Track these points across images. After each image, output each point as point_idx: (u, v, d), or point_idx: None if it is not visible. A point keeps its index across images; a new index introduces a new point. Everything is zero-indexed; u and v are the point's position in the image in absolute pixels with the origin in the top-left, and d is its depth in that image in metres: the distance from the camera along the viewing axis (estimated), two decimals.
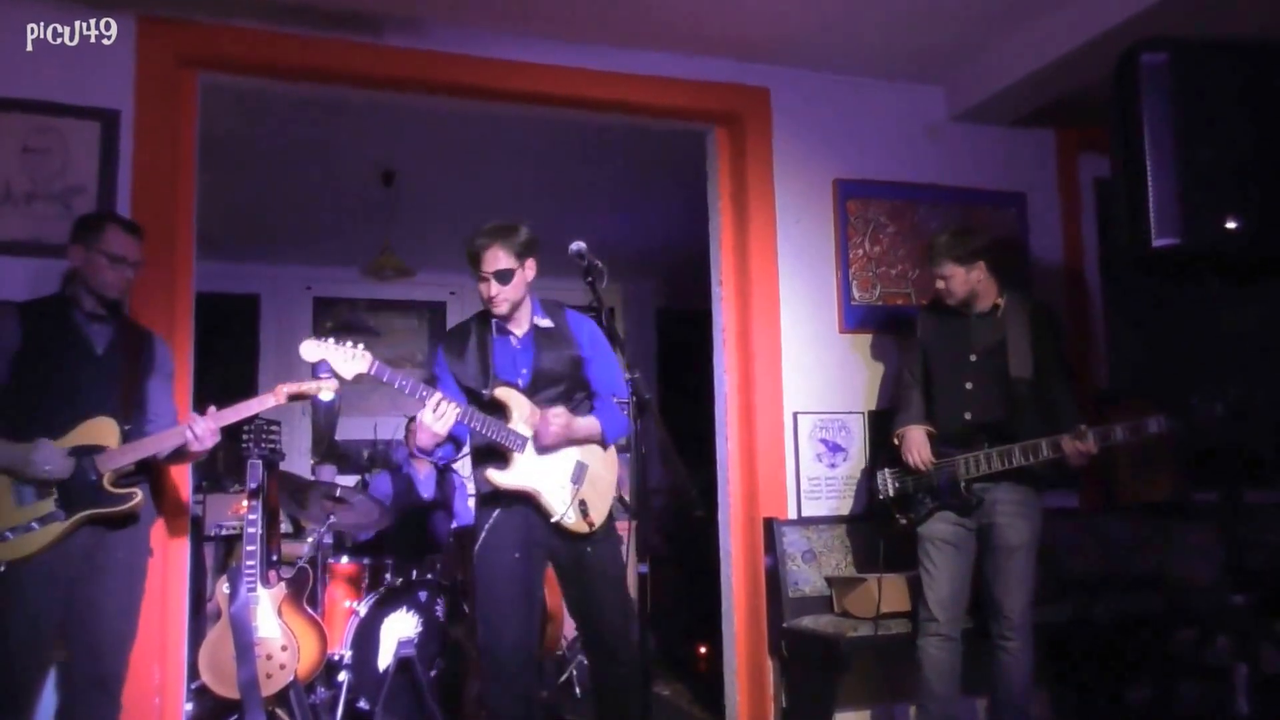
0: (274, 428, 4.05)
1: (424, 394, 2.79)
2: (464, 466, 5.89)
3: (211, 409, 2.91)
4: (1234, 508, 2.64)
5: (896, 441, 3.50)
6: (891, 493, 3.52)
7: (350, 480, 5.73)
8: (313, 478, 6.06)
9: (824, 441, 4.12)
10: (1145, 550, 3.83)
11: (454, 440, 3.04)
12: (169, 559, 3.41)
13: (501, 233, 2.97)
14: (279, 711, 3.94)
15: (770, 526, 3.93)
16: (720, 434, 4.23)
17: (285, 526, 5.43)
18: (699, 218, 4.48)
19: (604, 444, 3.14)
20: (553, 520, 2.96)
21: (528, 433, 2.95)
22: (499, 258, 2.95)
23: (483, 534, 3.01)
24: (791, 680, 3.87)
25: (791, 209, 4.21)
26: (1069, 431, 3.17)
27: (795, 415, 4.10)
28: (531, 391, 3.02)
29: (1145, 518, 3.99)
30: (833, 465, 4.12)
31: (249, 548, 3.89)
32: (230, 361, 7.44)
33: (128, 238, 2.91)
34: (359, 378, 2.79)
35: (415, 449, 4.84)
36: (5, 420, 2.74)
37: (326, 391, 3.08)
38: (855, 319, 4.23)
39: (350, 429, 7.64)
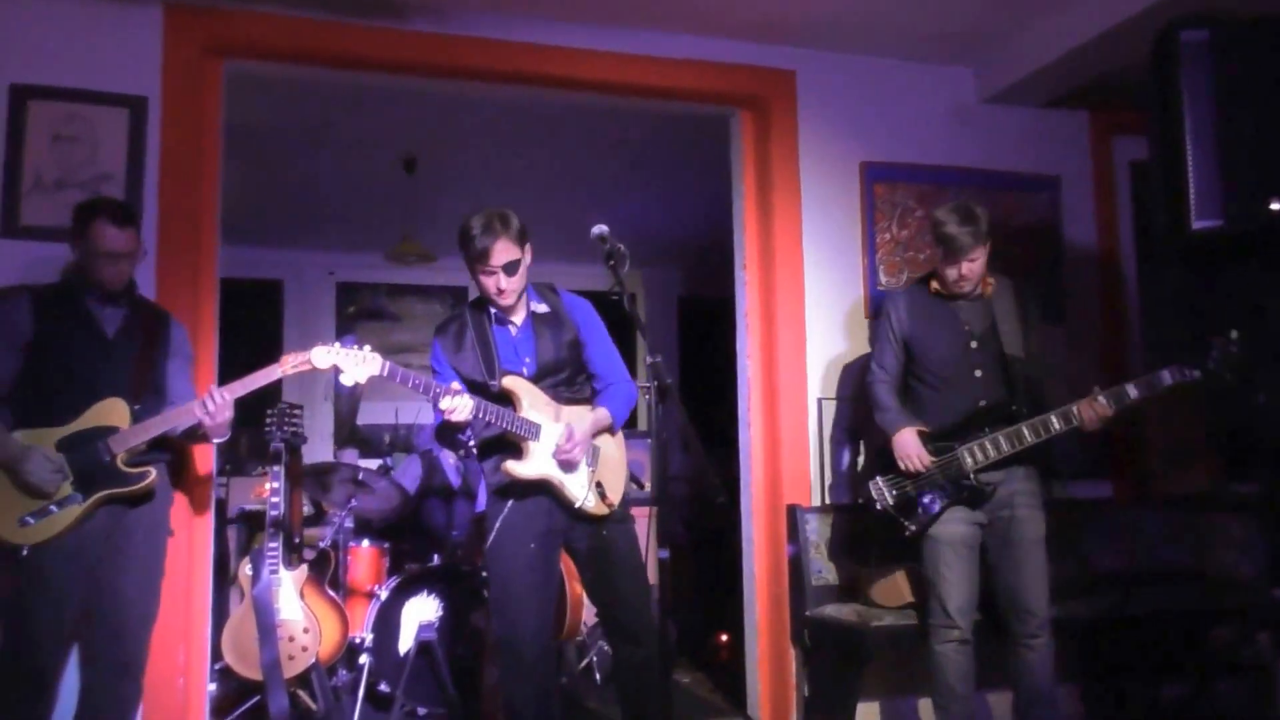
0: (296, 411, 4.05)
1: (438, 391, 2.76)
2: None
3: (214, 387, 2.89)
4: (1275, 499, 2.57)
5: (888, 446, 3.30)
6: (891, 501, 3.30)
7: (372, 464, 5.73)
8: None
9: (848, 429, 4.07)
10: (1181, 543, 3.73)
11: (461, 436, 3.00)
12: (193, 541, 3.42)
13: (503, 223, 2.88)
14: (301, 693, 3.96)
15: (793, 514, 3.89)
16: (743, 420, 4.20)
17: (307, 510, 5.44)
18: (722, 204, 4.43)
19: (613, 431, 3.12)
20: (575, 507, 2.94)
21: (540, 420, 2.92)
22: (507, 249, 2.88)
23: (495, 527, 2.97)
24: (814, 669, 3.83)
25: (817, 192, 4.16)
26: (1075, 404, 3.08)
27: (820, 401, 4.05)
28: (537, 379, 2.99)
29: (1181, 510, 3.89)
30: (857, 453, 4.07)
31: (271, 530, 3.90)
32: (254, 347, 7.45)
33: (117, 231, 2.84)
34: (371, 379, 2.76)
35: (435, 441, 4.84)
36: (19, 406, 2.76)
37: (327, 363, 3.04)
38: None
39: (372, 414, 7.67)
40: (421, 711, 4.13)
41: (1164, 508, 4.03)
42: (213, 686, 3.74)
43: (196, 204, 3.52)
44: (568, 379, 3.06)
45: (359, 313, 8.04)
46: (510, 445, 2.94)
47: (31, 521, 2.67)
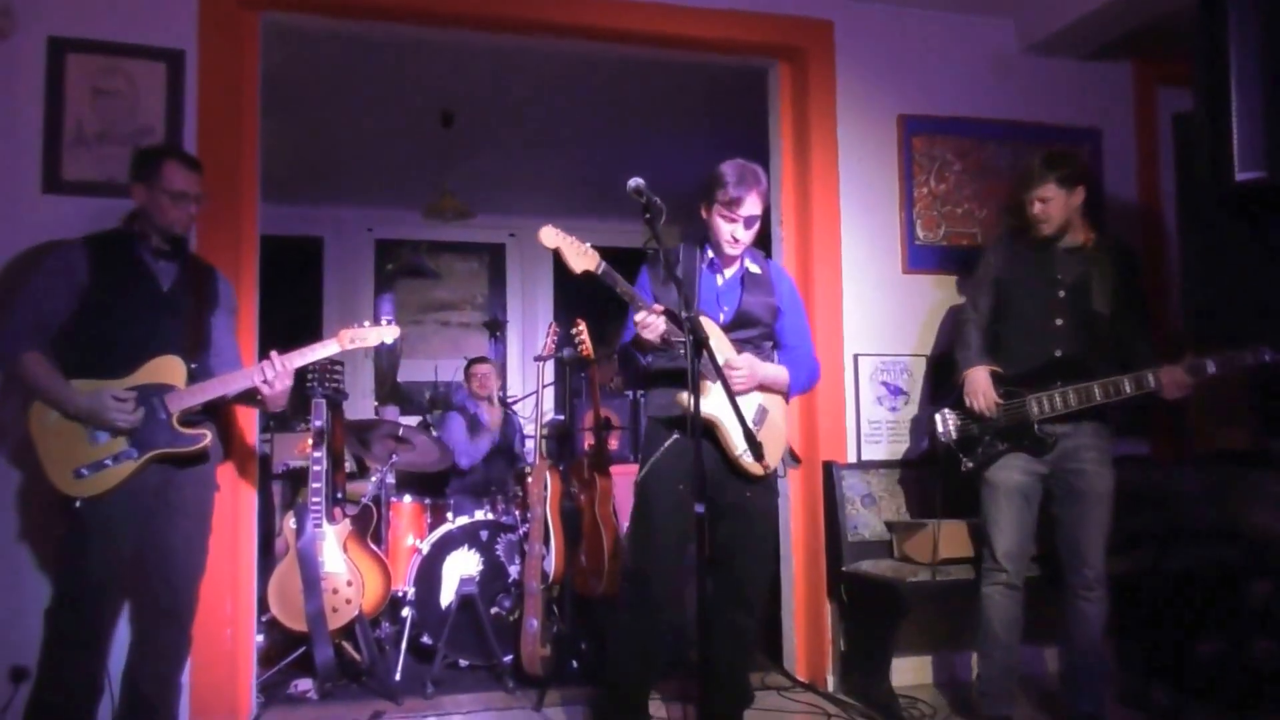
0: (337, 368, 4.11)
1: (640, 303, 2.76)
2: (523, 408, 5.98)
3: (275, 354, 2.90)
4: None
5: (961, 382, 3.37)
6: (954, 434, 3.36)
7: (412, 421, 5.81)
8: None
9: (885, 384, 4.06)
10: (1221, 500, 3.69)
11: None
12: (239, 497, 3.49)
13: (757, 178, 2.94)
14: (345, 645, 4.05)
15: (830, 470, 3.90)
16: None
17: (350, 466, 5.53)
18: (760, 160, 4.36)
19: (788, 394, 3.09)
20: (734, 455, 2.91)
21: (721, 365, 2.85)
22: (757, 203, 2.93)
23: (654, 458, 2.97)
24: (850, 624, 3.86)
25: (855, 146, 4.11)
26: (1150, 370, 3.06)
27: (856, 357, 4.04)
28: (729, 330, 2.98)
29: (1221, 466, 3.84)
30: (894, 409, 4.06)
31: (314, 485, 3.97)
32: (295, 303, 7.56)
33: (188, 173, 2.87)
34: (585, 273, 2.71)
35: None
36: (72, 354, 2.76)
37: (387, 336, 3.10)
38: (919, 259, 4.14)
39: (412, 371, 7.75)
40: (463, 663, 4.21)
41: (1202, 464, 3.98)
42: (260, 637, 3.84)
43: (236, 159, 3.53)
44: (756, 339, 3.04)
45: (398, 270, 8.10)
46: (681, 382, 2.80)
47: (86, 474, 2.70)
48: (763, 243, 4.30)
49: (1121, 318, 3.23)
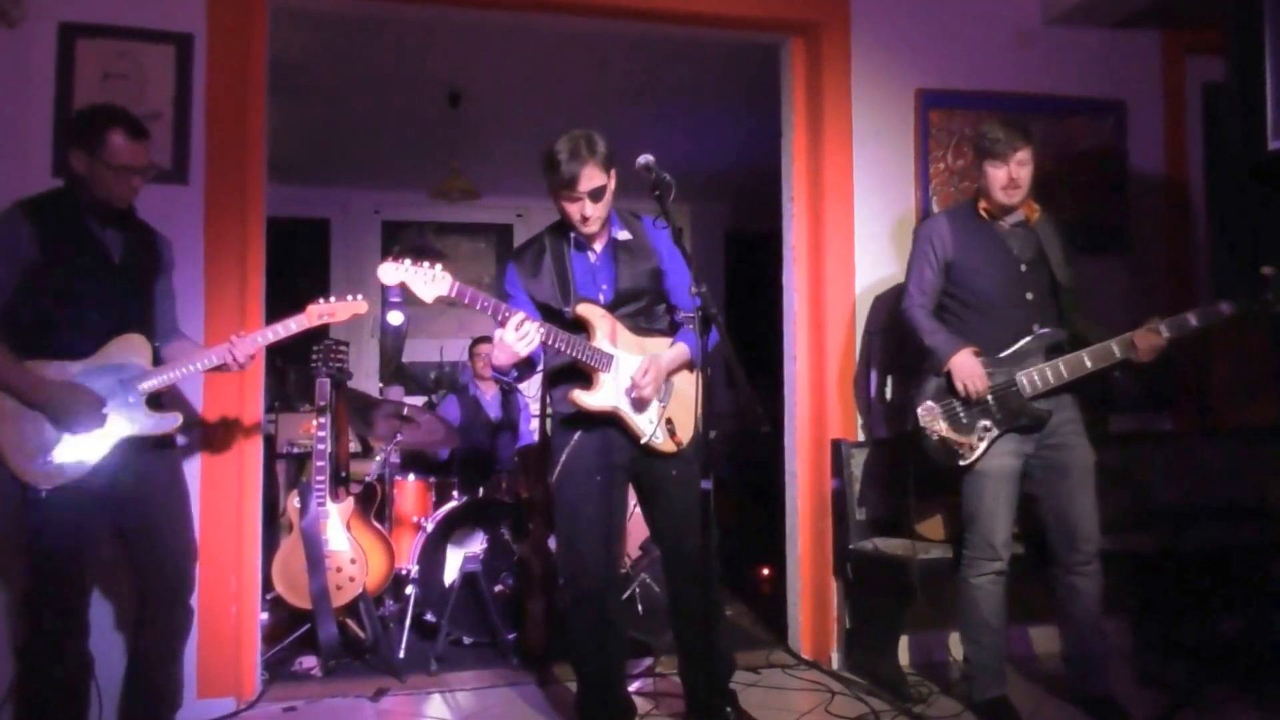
0: (342, 347, 4.08)
1: (506, 314, 2.67)
2: (529, 387, 5.93)
3: (236, 337, 2.84)
4: None
5: (946, 370, 3.16)
6: (946, 427, 3.17)
7: (417, 402, 5.77)
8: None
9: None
10: (1243, 477, 3.64)
11: (529, 361, 2.92)
12: (243, 474, 3.46)
13: (590, 147, 2.79)
14: (349, 622, 4.03)
15: (838, 448, 3.84)
16: (788, 354, 4.13)
17: (354, 446, 5.51)
18: (771, 139, 4.31)
19: (692, 367, 3.00)
20: (642, 441, 2.88)
21: (613, 350, 2.85)
22: (594, 175, 2.79)
23: (562, 458, 2.92)
24: (855, 602, 3.81)
25: (869, 122, 4.02)
26: (1133, 331, 2.99)
27: (868, 335, 3.96)
28: (613, 308, 2.91)
29: (1244, 443, 3.79)
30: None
31: (318, 463, 3.95)
32: (302, 285, 7.51)
33: (133, 144, 2.65)
34: (438, 299, 2.66)
35: (491, 369, 4.80)
36: (20, 332, 2.61)
37: (358, 309, 3.05)
38: None
39: (417, 351, 7.71)
40: (467, 641, 4.18)
41: (1226, 440, 3.92)
42: (264, 615, 3.81)
43: (243, 141, 3.50)
44: (645, 308, 2.97)
45: (405, 251, 8.04)
46: (581, 374, 2.87)
47: (52, 462, 2.60)
48: (773, 224, 4.27)
49: (1067, 288, 3.16)
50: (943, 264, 3.26)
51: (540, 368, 3.01)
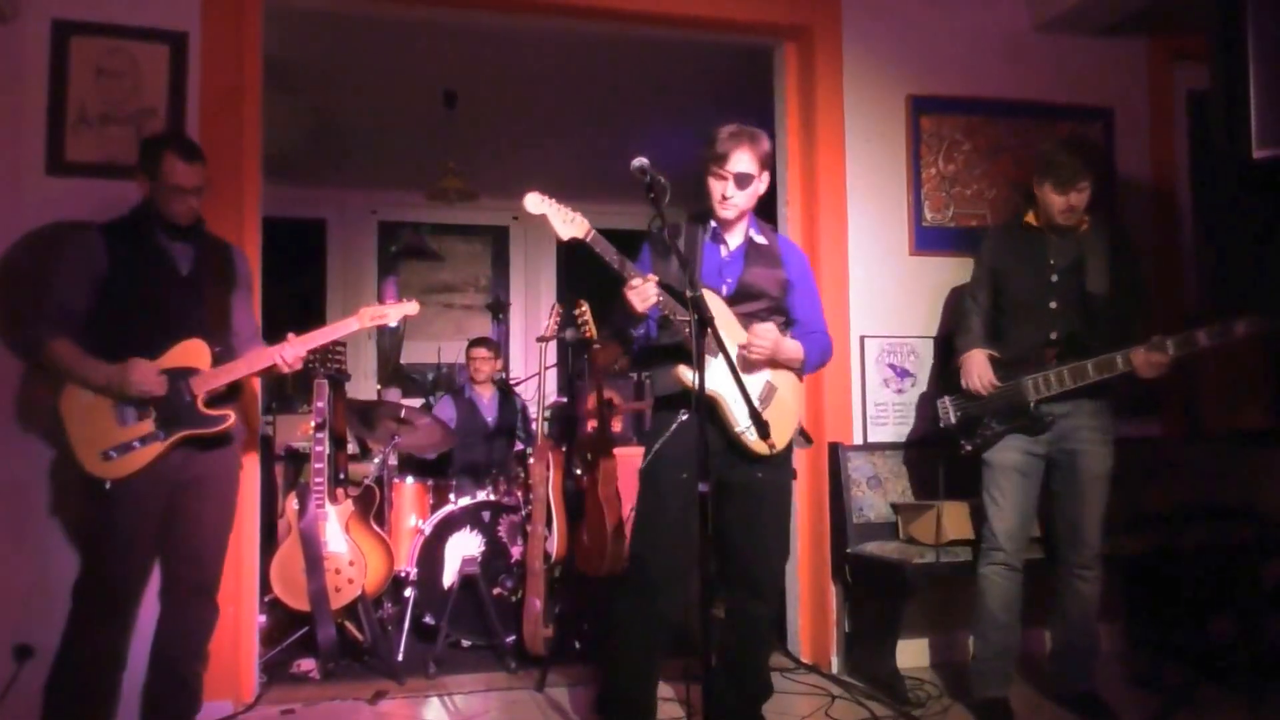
0: (340, 348, 4.08)
1: (630, 271, 2.69)
2: (526, 390, 5.96)
3: (292, 335, 2.96)
4: None
5: (959, 365, 3.36)
6: (954, 420, 3.37)
7: (415, 404, 5.78)
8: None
9: (891, 366, 4.03)
10: (1233, 480, 3.67)
11: (649, 324, 2.89)
12: (242, 477, 3.45)
13: (752, 138, 2.83)
14: (348, 624, 4.05)
15: (835, 452, 3.87)
16: None
17: (352, 448, 5.52)
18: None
19: (802, 372, 2.99)
20: (735, 430, 2.82)
21: (724, 339, 2.71)
22: (745, 160, 2.82)
23: (660, 442, 2.87)
24: (854, 605, 3.85)
25: (862, 126, 4.07)
26: (1143, 345, 3.02)
27: (862, 339, 4.01)
28: (732, 303, 2.88)
29: (1233, 446, 3.82)
30: (900, 391, 4.03)
31: (316, 465, 3.97)
32: (298, 286, 7.54)
33: (187, 166, 2.86)
34: (572, 239, 2.65)
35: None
36: (97, 344, 2.79)
37: (409, 309, 3.15)
38: (926, 241, 4.10)
39: (414, 353, 7.72)
40: (465, 643, 4.20)
41: (1216, 444, 3.96)
42: (262, 617, 3.83)
43: (238, 140, 3.52)
44: (763, 312, 2.92)
45: (401, 252, 8.07)
46: (684, 357, 2.77)
47: (115, 456, 2.73)
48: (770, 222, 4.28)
49: (1117, 298, 3.21)
50: (989, 271, 3.41)
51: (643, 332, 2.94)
